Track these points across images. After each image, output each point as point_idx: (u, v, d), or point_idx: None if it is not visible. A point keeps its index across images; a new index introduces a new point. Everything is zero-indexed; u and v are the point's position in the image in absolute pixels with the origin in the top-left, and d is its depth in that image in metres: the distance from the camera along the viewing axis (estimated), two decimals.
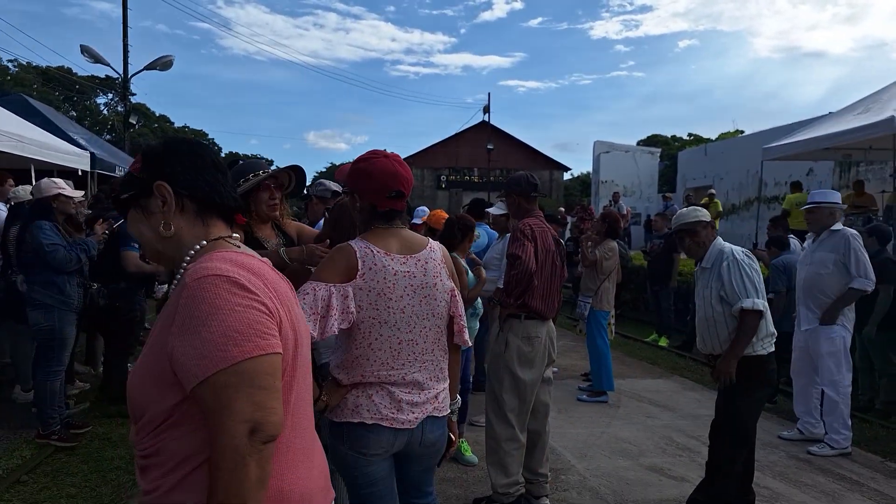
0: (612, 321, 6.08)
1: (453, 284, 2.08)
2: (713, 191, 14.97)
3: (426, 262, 1.99)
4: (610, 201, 15.55)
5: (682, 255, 8.43)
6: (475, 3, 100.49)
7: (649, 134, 41.74)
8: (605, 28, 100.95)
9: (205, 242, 1.21)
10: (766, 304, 3.18)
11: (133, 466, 2.33)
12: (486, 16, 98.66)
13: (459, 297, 2.10)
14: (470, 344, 2.19)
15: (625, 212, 14.81)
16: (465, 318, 2.13)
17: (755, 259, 3.29)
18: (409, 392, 1.97)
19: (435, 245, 2.09)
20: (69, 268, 4.20)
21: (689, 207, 3.55)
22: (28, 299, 4.21)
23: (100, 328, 5.41)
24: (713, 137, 30.92)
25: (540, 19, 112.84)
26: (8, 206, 5.17)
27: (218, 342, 1.02)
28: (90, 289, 4.72)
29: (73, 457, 4.05)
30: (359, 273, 1.89)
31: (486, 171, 32.99)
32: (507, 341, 3.38)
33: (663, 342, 8.42)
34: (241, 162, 2.64)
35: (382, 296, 1.90)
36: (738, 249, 3.27)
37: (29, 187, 5.30)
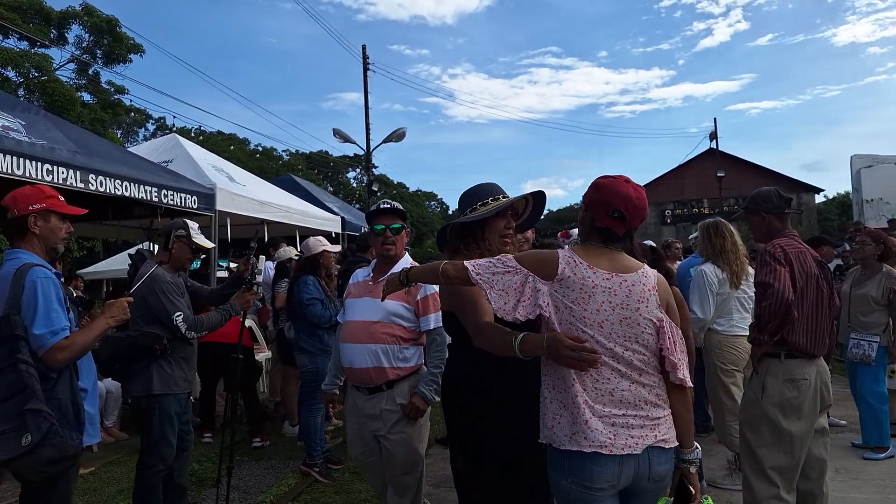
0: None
1: (663, 315, 1.92)
2: None
3: (633, 285, 1.90)
4: None
5: None
6: (693, 32, 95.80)
7: None
8: (851, 32, 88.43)
9: None
10: None
11: (378, 500, 2.46)
12: (707, 42, 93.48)
13: (672, 331, 1.92)
14: (688, 384, 1.95)
15: None
16: (679, 354, 1.92)
17: None
18: (621, 412, 1.84)
19: (650, 272, 1.99)
20: (323, 324, 4.63)
21: None
22: (296, 345, 4.83)
23: None
24: None
25: (770, 36, 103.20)
26: (275, 265, 6.14)
27: None
28: None
29: (329, 488, 4.48)
30: (556, 277, 1.89)
31: (716, 200, 30.36)
32: (764, 385, 2.89)
33: None
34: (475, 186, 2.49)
35: (577, 303, 1.86)
36: None
37: (291, 249, 6.27)
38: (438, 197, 58.26)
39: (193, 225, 3.56)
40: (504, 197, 2.41)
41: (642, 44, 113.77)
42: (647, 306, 1.90)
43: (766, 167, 33.76)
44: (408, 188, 50.55)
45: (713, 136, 30.47)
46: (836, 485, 4.19)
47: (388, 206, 2.91)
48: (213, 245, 3.84)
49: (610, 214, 1.95)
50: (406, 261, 2.89)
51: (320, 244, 4.88)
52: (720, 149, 30.99)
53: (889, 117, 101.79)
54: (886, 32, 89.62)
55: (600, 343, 1.85)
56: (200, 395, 5.94)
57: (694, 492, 1.99)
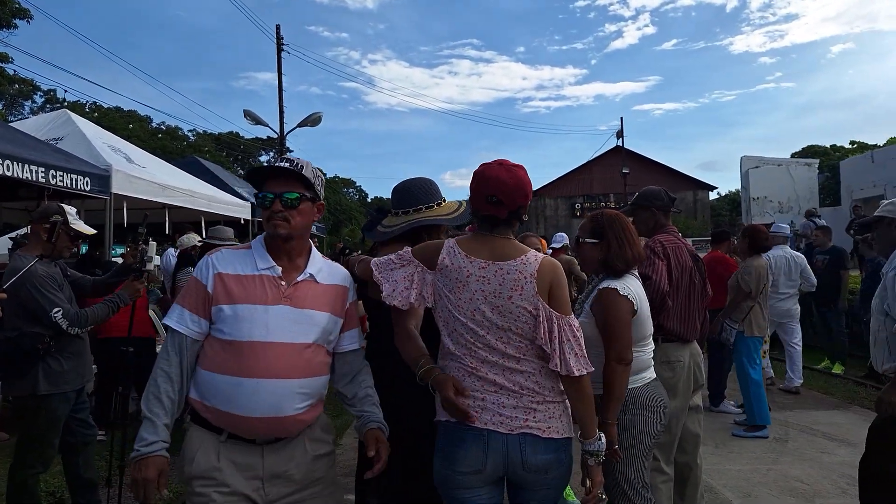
0: (766, 347, 5.51)
1: (540, 304, 1.86)
2: (888, 201, 13.13)
3: (507, 273, 1.88)
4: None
5: (852, 271, 7.46)
6: (605, 33, 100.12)
7: (805, 145, 38.27)
8: (746, 42, 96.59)
9: None
10: None
11: None
12: (617, 44, 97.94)
13: (550, 320, 1.86)
14: (575, 372, 1.85)
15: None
16: (557, 344, 1.85)
17: None
18: (496, 395, 1.87)
19: (532, 259, 1.90)
20: None
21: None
22: None
23: None
24: (881, 143, 27.45)
25: (674, 41, 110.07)
26: (178, 252, 5.88)
27: None
28: None
29: None
30: (437, 267, 1.96)
31: (621, 195, 31.92)
32: None
33: (837, 369, 7.40)
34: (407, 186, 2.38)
35: (453, 292, 1.92)
36: None
37: (195, 235, 6.02)
38: (357, 184, 57.78)
39: (71, 210, 3.30)
40: (442, 201, 2.41)
41: (558, 42, 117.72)
42: (521, 294, 1.87)
43: (667, 165, 35.87)
44: (325, 174, 49.34)
45: (620, 134, 31.96)
46: (714, 458, 4.60)
47: (285, 164, 1.93)
48: (93, 231, 3.54)
49: (489, 201, 1.93)
50: (318, 258, 2.04)
51: None
52: (626, 146, 32.55)
53: (776, 122, 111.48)
54: (775, 44, 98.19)
55: (473, 332, 1.89)
56: (95, 392, 5.59)
57: (590, 484, 1.96)
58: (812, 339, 8.78)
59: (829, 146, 37.06)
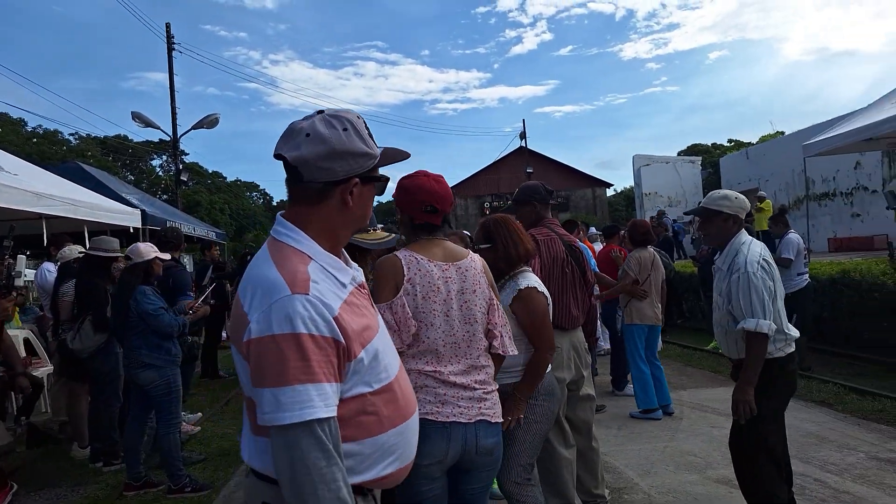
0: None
1: (493, 294, 2.13)
2: (762, 193, 14.50)
3: (466, 270, 2.09)
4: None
5: None
6: (505, 38, 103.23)
7: (689, 144, 41.18)
8: (634, 49, 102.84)
9: None
10: (781, 320, 2.77)
11: None
12: (517, 49, 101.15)
13: (498, 307, 2.14)
14: (510, 353, 2.14)
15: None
16: (500, 328, 2.12)
17: (773, 267, 2.79)
18: (454, 389, 2.00)
19: (476, 256, 2.17)
20: (174, 333, 4.13)
21: (721, 192, 2.99)
22: (135, 361, 4.13)
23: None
24: (754, 141, 30.11)
25: (570, 47, 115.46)
26: (58, 266, 5.40)
27: None
28: (187, 342, 4.83)
29: None
30: (405, 278, 2.00)
31: None
32: None
33: None
34: None
35: (427, 299, 2.00)
36: (754, 258, 2.74)
37: (77, 247, 5.56)
38: (261, 188, 55.56)
39: None
40: (373, 229, 2.59)
41: (461, 46, 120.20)
42: (480, 288, 2.09)
43: (568, 164, 37.42)
44: (225, 178, 47.42)
45: (523, 135, 33.01)
46: (616, 440, 4.85)
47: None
48: None
49: (424, 210, 2.10)
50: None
51: (152, 250, 4.30)
52: (529, 147, 33.71)
53: (664, 123, 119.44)
54: (660, 51, 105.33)
55: (446, 332, 2.00)
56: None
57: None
58: (701, 322, 9.46)
59: (710, 144, 40.02)
